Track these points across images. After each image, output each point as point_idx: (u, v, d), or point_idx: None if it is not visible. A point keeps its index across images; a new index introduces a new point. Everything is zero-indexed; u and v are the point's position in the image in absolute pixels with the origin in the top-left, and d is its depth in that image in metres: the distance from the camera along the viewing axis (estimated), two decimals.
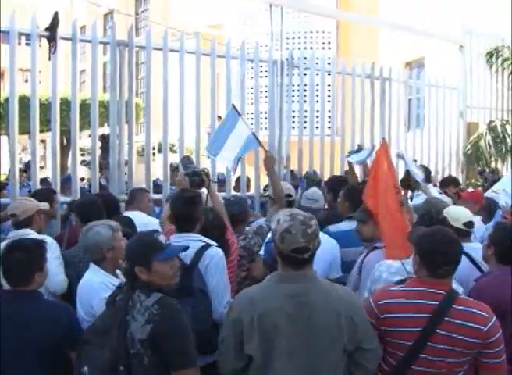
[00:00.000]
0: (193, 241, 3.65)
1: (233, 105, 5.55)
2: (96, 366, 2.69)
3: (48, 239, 4.10)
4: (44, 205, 4.62)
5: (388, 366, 2.82)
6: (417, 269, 2.89)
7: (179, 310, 2.75)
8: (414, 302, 2.82)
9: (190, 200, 3.85)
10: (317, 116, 7.99)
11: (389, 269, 3.55)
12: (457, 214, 4.30)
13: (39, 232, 4.42)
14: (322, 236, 4.45)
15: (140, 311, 2.71)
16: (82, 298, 3.49)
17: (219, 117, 8.82)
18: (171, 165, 6.93)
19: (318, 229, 2.69)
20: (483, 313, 2.79)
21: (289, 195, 5.32)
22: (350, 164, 6.66)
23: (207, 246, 3.64)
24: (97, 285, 3.45)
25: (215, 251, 3.69)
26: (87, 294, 3.46)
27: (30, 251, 3.17)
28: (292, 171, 7.53)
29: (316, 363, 2.62)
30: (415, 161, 7.62)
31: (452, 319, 2.75)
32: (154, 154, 7.81)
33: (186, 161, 5.03)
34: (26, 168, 8.41)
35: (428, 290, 2.82)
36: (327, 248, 4.44)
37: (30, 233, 4.26)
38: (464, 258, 3.85)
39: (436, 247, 2.84)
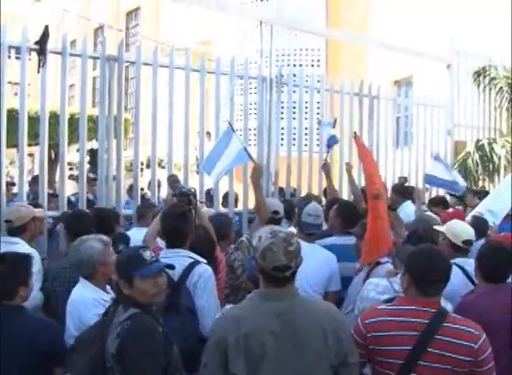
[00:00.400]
0: (183, 257, 3.65)
1: (229, 123, 5.62)
2: (77, 374, 2.72)
3: (34, 253, 4.07)
4: (39, 212, 4.62)
5: None
6: (407, 287, 2.89)
7: (149, 328, 2.68)
8: (403, 320, 2.81)
9: (180, 215, 3.88)
10: (305, 133, 8.02)
11: (377, 288, 3.56)
12: (458, 231, 4.36)
13: (31, 240, 4.47)
14: (320, 250, 4.54)
15: (116, 325, 2.70)
16: (73, 313, 3.44)
17: (208, 133, 8.88)
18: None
19: (299, 247, 2.68)
20: (474, 331, 2.79)
21: (276, 212, 5.16)
22: (328, 177, 6.70)
23: (196, 263, 3.63)
24: (89, 301, 3.42)
25: (204, 269, 3.68)
26: (77, 309, 3.42)
27: (14, 265, 3.14)
28: (281, 189, 7.56)
29: None
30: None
31: (443, 337, 2.74)
32: (142, 169, 7.80)
33: (172, 180, 5.04)
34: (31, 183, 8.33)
35: (418, 308, 2.82)
36: (325, 261, 4.49)
37: (19, 243, 4.27)
38: (460, 273, 3.93)
39: (426, 265, 2.84)
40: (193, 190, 4.66)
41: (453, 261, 4.08)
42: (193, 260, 3.65)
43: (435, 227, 4.56)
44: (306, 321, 2.61)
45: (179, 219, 3.85)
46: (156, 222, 4.30)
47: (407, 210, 6.75)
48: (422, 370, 2.74)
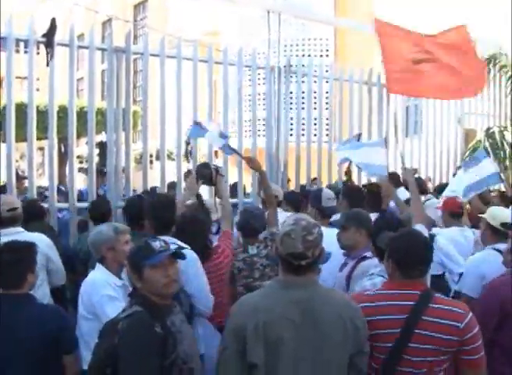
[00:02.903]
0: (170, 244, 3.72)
1: (196, 122, 5.62)
2: (92, 362, 2.76)
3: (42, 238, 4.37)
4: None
5: (372, 370, 2.82)
6: (392, 272, 2.91)
7: (142, 330, 2.64)
8: (390, 304, 2.83)
9: (167, 203, 4.13)
10: (314, 123, 8.01)
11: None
12: (496, 214, 4.42)
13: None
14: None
15: (119, 321, 2.71)
16: (83, 294, 3.52)
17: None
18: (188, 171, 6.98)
19: (320, 238, 2.65)
20: (459, 310, 2.82)
21: (275, 197, 5.27)
22: (348, 170, 6.68)
23: (180, 248, 3.64)
24: (99, 282, 3.49)
25: (190, 253, 3.74)
26: (88, 290, 3.50)
27: (20, 253, 3.19)
28: (303, 186, 7.59)
29: (325, 371, 2.60)
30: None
31: (430, 318, 2.77)
32: (151, 161, 7.82)
33: (200, 166, 5.16)
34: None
35: (403, 291, 2.85)
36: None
37: (23, 231, 4.43)
38: (498, 257, 3.91)
39: (409, 248, 2.88)
40: (215, 165, 4.87)
41: (493, 246, 4.16)
42: (177, 246, 3.69)
43: (481, 216, 4.59)
44: (325, 310, 2.61)
45: (166, 206, 4.06)
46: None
47: (403, 195, 6.70)
48: (411, 352, 2.75)
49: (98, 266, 3.64)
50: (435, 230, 5.21)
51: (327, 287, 2.80)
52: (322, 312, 2.60)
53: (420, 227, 3.97)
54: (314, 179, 7.85)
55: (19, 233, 4.36)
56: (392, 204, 6.16)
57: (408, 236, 2.99)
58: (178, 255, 2.89)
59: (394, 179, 6.99)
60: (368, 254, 3.84)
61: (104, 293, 3.40)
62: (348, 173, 6.69)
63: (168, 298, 2.84)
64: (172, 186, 6.76)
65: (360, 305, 2.82)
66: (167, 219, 4.02)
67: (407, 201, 5.94)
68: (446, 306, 2.82)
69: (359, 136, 6.86)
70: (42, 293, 4.25)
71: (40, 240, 4.43)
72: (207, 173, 4.71)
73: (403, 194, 6.76)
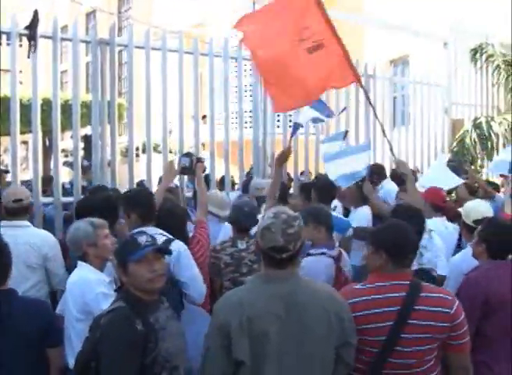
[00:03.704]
0: (155, 234, 3.69)
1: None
2: (78, 355, 2.80)
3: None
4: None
5: (363, 364, 2.83)
6: (384, 264, 2.90)
7: (124, 328, 2.64)
8: (382, 297, 2.84)
9: (147, 193, 4.24)
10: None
11: None
12: (468, 210, 4.43)
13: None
14: None
15: (104, 315, 2.73)
16: (75, 294, 3.40)
17: (204, 116, 8.85)
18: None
19: (301, 230, 2.67)
20: (448, 297, 2.88)
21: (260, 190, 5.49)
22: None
23: (171, 240, 3.62)
24: (92, 280, 3.41)
25: (180, 244, 3.86)
26: (81, 290, 3.39)
27: (4, 253, 3.18)
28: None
29: (309, 365, 2.61)
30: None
31: (422, 307, 2.81)
32: (137, 154, 7.79)
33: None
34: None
35: (393, 283, 2.86)
36: None
37: (29, 226, 4.45)
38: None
39: (401, 237, 2.92)
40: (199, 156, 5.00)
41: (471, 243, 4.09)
42: (165, 237, 3.70)
43: (459, 209, 4.62)
44: (309, 303, 2.63)
45: (146, 196, 4.18)
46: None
47: (388, 187, 6.77)
48: (404, 343, 2.78)
49: (81, 264, 3.57)
50: None
51: (309, 280, 2.81)
52: (306, 306, 2.61)
53: (433, 221, 4.06)
54: (302, 172, 7.88)
55: (23, 228, 4.36)
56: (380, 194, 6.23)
57: (397, 226, 3.01)
58: (164, 250, 2.88)
59: (378, 171, 7.06)
60: (312, 251, 3.93)
61: (99, 291, 3.32)
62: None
63: (154, 294, 2.83)
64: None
65: (352, 300, 2.83)
66: (149, 210, 4.08)
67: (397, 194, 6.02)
68: (435, 294, 2.87)
69: (346, 133, 6.89)
70: (38, 294, 4.19)
71: (43, 238, 4.41)
72: (186, 161, 4.80)
73: (389, 185, 6.83)
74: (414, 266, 3.71)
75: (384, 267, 2.90)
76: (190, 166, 4.82)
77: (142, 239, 2.81)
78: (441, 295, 2.87)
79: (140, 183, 6.93)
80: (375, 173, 6.84)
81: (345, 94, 8.21)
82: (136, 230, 3.56)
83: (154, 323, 2.72)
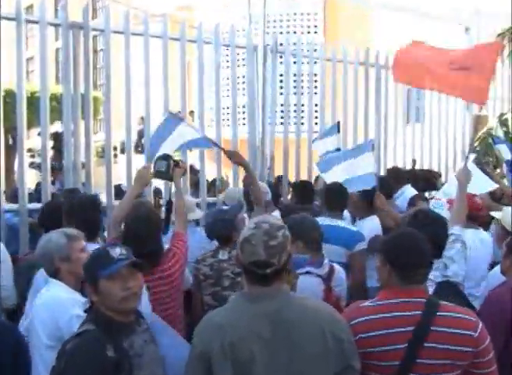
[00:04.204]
0: None
1: (171, 113, 5.54)
2: None
3: None
4: None
5: None
6: (388, 277, 2.88)
7: (92, 355, 2.60)
8: (393, 316, 2.80)
9: (91, 204, 4.28)
10: (303, 111, 8.00)
11: None
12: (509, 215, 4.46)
13: None
14: None
15: (70, 341, 2.69)
16: (45, 318, 3.30)
17: (191, 112, 8.79)
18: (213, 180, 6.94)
19: (285, 242, 2.65)
20: (471, 318, 2.83)
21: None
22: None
23: None
24: (66, 301, 3.33)
25: None
26: (51, 312, 3.29)
27: None
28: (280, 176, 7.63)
29: None
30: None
31: (439, 328, 2.76)
32: (115, 155, 7.71)
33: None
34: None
35: (406, 300, 2.83)
36: None
37: None
38: None
39: (407, 249, 2.88)
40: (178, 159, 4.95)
41: None
42: None
43: (493, 213, 4.64)
44: (300, 322, 2.61)
45: (90, 208, 4.30)
46: (120, 208, 4.45)
47: (409, 193, 6.65)
48: (422, 369, 2.73)
49: (53, 282, 3.50)
50: None
51: (300, 296, 2.83)
52: (295, 323, 2.61)
53: (457, 229, 4.04)
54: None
55: None
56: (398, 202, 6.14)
57: (405, 235, 2.99)
58: (140, 265, 2.85)
59: (395, 175, 6.98)
60: (310, 269, 3.92)
61: (74, 313, 3.21)
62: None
63: (129, 315, 2.80)
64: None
65: (357, 319, 2.82)
66: (90, 223, 4.10)
67: (412, 200, 5.96)
68: (456, 314, 2.82)
69: (338, 125, 6.89)
70: None
71: None
72: (163, 165, 4.71)
73: (409, 191, 6.73)
74: (438, 278, 3.73)
75: (390, 282, 2.89)
76: (167, 170, 4.73)
77: (115, 252, 2.77)
78: (462, 316, 2.82)
79: (118, 188, 6.85)
80: (392, 177, 6.79)
81: (353, 85, 8.18)
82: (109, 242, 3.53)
83: (129, 348, 2.70)
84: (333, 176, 5.77)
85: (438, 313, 2.79)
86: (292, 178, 7.81)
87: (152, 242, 4.00)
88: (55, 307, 3.32)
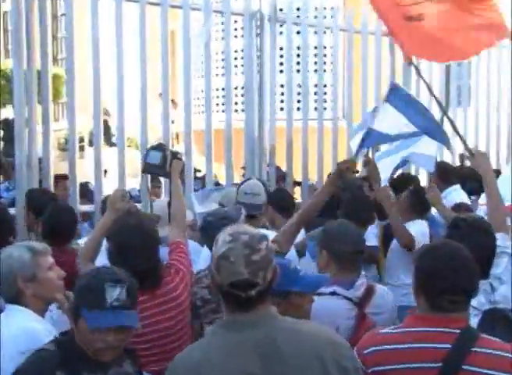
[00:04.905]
0: None
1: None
2: None
3: None
4: None
5: None
6: (420, 302, 2.97)
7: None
8: (415, 348, 2.86)
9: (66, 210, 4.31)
10: (314, 93, 8.14)
11: None
12: None
13: None
14: None
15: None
16: (14, 355, 3.20)
17: (173, 101, 8.83)
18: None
19: (270, 255, 2.69)
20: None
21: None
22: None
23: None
24: (40, 332, 3.30)
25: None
26: (24, 347, 3.17)
27: None
28: (277, 168, 7.75)
29: None
30: None
31: (473, 368, 2.77)
32: (82, 148, 7.80)
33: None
34: None
35: (434, 329, 2.87)
36: None
37: None
38: None
39: (441, 270, 2.91)
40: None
41: None
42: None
43: None
44: (295, 350, 2.65)
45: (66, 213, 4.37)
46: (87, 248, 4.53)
47: (455, 196, 6.85)
48: None
49: (15, 309, 3.46)
50: None
51: (293, 320, 2.81)
52: (291, 354, 2.64)
53: (501, 238, 4.08)
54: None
55: None
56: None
57: (442, 252, 3.00)
58: (130, 326, 2.96)
59: (444, 173, 7.12)
60: (338, 289, 3.93)
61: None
62: (368, 162, 6.73)
63: (105, 356, 2.93)
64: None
65: (371, 348, 2.91)
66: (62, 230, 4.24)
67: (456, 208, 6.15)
68: (495, 350, 2.81)
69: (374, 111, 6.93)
70: None
71: None
72: (157, 157, 4.84)
73: (456, 194, 6.87)
74: (485, 306, 3.73)
75: (422, 308, 2.97)
76: (163, 163, 4.82)
77: (112, 294, 2.88)
78: (502, 353, 2.81)
79: (85, 187, 6.98)
80: (437, 174, 6.98)
81: (375, 62, 8.31)
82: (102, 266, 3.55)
83: None
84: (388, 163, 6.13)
85: (473, 349, 2.79)
86: (297, 176, 7.92)
87: (149, 259, 4.00)
88: (29, 341, 3.23)
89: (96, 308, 2.82)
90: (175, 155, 4.94)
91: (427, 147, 5.90)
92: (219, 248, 2.67)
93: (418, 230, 5.96)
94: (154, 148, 4.99)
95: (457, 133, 5.46)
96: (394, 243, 5.96)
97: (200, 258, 5.20)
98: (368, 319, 3.93)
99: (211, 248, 4.61)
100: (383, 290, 4.24)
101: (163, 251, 4.46)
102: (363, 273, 4.18)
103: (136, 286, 2.99)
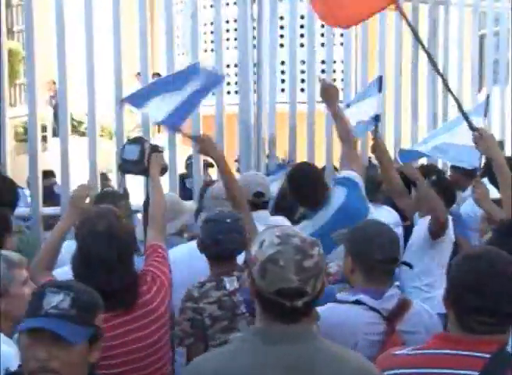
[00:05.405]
0: None
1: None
2: None
3: None
4: None
5: None
6: (451, 320, 3.00)
7: None
8: (437, 373, 2.89)
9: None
10: (322, 70, 8.27)
11: None
12: None
13: None
14: None
15: None
16: None
17: (157, 74, 8.90)
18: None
19: (322, 262, 2.75)
20: None
21: (260, 194, 5.65)
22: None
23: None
24: (11, 357, 3.33)
25: None
26: None
27: None
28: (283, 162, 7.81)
29: None
30: None
31: None
32: (44, 138, 7.80)
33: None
34: None
35: (461, 353, 2.86)
36: None
37: None
38: None
39: (472, 282, 2.88)
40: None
41: None
42: None
43: None
44: None
45: None
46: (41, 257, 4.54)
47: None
48: None
49: None
50: None
51: (335, 345, 2.86)
52: None
53: None
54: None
55: None
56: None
57: (481, 262, 2.94)
58: (67, 337, 2.84)
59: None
60: (362, 296, 3.90)
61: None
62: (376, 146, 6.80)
63: None
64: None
65: (388, 371, 2.94)
66: None
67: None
68: None
69: (380, 81, 6.93)
70: None
71: None
72: (135, 152, 4.89)
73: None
74: None
75: (451, 325, 2.99)
76: (141, 158, 4.88)
77: (50, 300, 2.82)
78: None
79: (50, 185, 7.01)
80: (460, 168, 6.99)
81: (395, 31, 8.39)
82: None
83: None
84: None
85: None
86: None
87: (123, 275, 4.02)
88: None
89: (30, 317, 2.77)
90: (154, 148, 5.00)
91: (466, 136, 5.92)
92: (265, 250, 2.69)
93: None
94: (131, 141, 5.08)
95: (458, 105, 5.47)
96: (414, 235, 6.09)
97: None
98: (397, 337, 3.85)
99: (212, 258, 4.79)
100: (422, 307, 4.14)
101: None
102: (396, 283, 4.14)
103: (93, 299, 2.87)
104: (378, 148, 6.22)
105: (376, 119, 6.43)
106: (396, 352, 3.06)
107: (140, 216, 5.70)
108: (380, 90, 6.73)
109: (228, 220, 4.73)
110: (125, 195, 5.43)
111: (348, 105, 7.10)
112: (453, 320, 2.95)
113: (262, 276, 2.67)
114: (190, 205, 6.35)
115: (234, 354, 2.74)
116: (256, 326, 2.80)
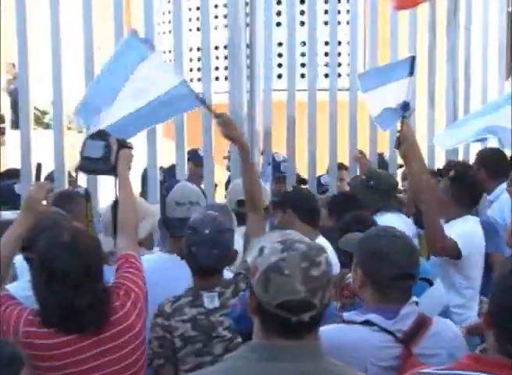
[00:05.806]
0: None
1: (135, 31, 5.79)
2: None
3: None
4: None
5: None
6: (492, 341, 3.01)
7: None
8: None
9: None
10: (325, 53, 8.22)
11: None
12: None
13: None
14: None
15: None
16: None
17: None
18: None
19: (331, 271, 2.78)
20: None
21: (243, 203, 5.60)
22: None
23: None
24: None
25: None
26: None
27: None
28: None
29: None
30: None
31: None
32: (2, 130, 7.85)
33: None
34: None
35: (486, 373, 2.90)
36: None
37: None
38: None
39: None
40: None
41: None
42: None
43: None
44: None
45: None
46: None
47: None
48: None
49: None
50: None
51: (341, 364, 2.88)
52: None
53: None
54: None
55: None
56: None
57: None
58: None
59: (493, 164, 7.20)
60: (373, 316, 3.85)
61: None
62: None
63: None
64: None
65: None
66: None
67: None
68: None
69: (412, 61, 6.86)
70: None
71: None
72: (99, 149, 4.87)
73: None
74: None
75: (490, 346, 3.03)
76: (106, 155, 4.85)
77: None
78: None
79: (7, 186, 7.05)
80: (485, 165, 7.08)
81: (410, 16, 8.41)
82: None
83: None
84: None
85: None
86: (303, 170, 8.02)
87: (88, 288, 4.00)
88: None
89: None
90: (122, 144, 4.97)
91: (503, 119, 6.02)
92: (267, 257, 2.70)
93: (472, 229, 5.99)
94: (93, 136, 5.02)
95: None
96: None
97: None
98: (416, 362, 3.74)
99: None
100: (445, 326, 4.07)
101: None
102: (414, 298, 3.98)
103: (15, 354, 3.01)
104: (407, 143, 5.78)
105: (405, 107, 6.23)
106: (423, 371, 3.10)
107: None
108: (412, 72, 6.64)
109: (206, 231, 4.64)
110: (86, 197, 5.36)
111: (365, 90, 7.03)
112: (492, 342, 2.96)
113: (264, 288, 2.68)
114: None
115: (229, 372, 2.77)
116: (254, 341, 2.80)
